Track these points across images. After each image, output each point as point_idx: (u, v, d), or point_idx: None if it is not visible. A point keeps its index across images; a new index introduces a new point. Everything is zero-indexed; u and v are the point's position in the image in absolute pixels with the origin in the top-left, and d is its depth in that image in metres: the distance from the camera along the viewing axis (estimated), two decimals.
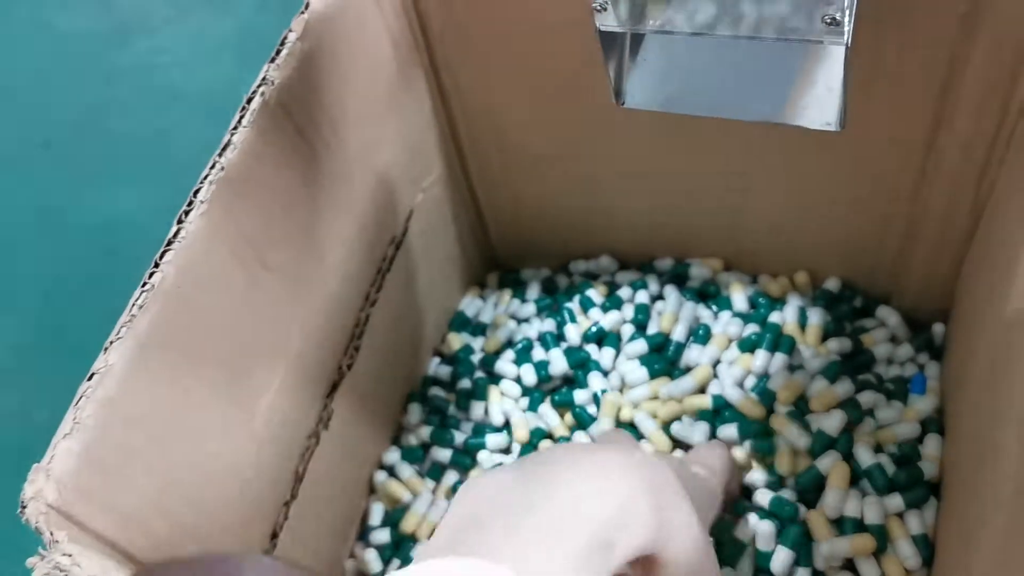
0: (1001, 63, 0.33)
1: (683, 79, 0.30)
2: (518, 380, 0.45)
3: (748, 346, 0.42)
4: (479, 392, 0.45)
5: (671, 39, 0.29)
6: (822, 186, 0.41)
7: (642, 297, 0.46)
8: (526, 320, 0.48)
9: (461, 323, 0.49)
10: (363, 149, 0.38)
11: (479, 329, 0.48)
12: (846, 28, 0.25)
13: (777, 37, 0.26)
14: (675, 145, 0.42)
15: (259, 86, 0.32)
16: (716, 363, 0.42)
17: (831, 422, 0.38)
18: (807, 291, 0.46)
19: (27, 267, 0.63)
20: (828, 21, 0.25)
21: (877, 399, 0.40)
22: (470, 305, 0.50)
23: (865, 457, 0.37)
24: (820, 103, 0.29)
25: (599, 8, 0.28)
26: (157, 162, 0.66)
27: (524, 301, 0.49)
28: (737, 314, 0.44)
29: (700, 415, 0.41)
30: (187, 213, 0.30)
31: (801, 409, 0.39)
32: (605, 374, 0.44)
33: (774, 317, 0.44)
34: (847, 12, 0.25)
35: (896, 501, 0.36)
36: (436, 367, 0.47)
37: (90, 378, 0.27)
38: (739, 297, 0.45)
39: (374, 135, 0.39)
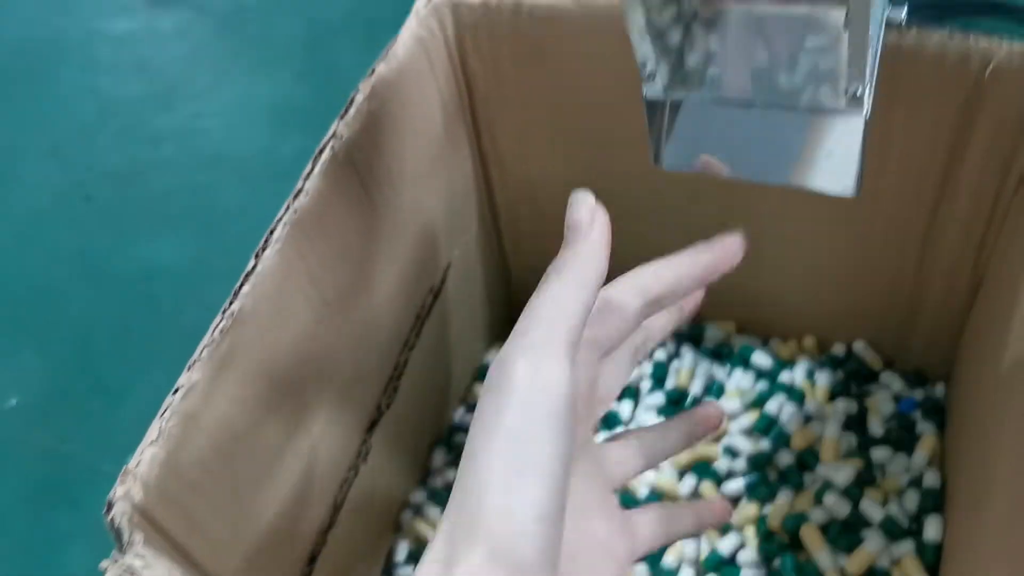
0: (998, 149, 0.37)
1: (715, 144, 0.34)
2: None
3: (759, 400, 0.45)
4: None
5: (706, 106, 0.33)
6: (830, 257, 0.45)
7: (660, 355, 0.49)
8: None
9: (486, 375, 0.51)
10: (413, 204, 0.41)
11: None
12: (866, 102, 0.29)
13: (804, 108, 0.30)
14: (694, 213, 0.45)
15: (330, 139, 0.36)
16: (734, 416, 0.45)
17: (843, 474, 0.41)
18: (815, 355, 0.49)
19: (64, 312, 0.65)
20: (851, 95, 0.29)
21: (885, 455, 0.42)
22: None
23: (873, 512, 0.40)
24: (838, 170, 0.32)
25: (647, 77, 0.31)
26: (194, 217, 0.69)
27: None
28: (749, 372, 0.47)
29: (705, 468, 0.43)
30: (264, 250, 0.33)
31: (808, 459, 0.42)
32: (625, 425, 0.46)
33: (784, 377, 0.46)
34: (868, 87, 0.29)
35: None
36: (462, 415, 0.50)
37: (175, 392, 0.30)
38: (757, 357, 0.48)
39: (423, 191, 0.42)
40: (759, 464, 0.43)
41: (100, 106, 0.80)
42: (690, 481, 0.43)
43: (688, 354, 0.48)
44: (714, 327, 0.50)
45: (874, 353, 0.48)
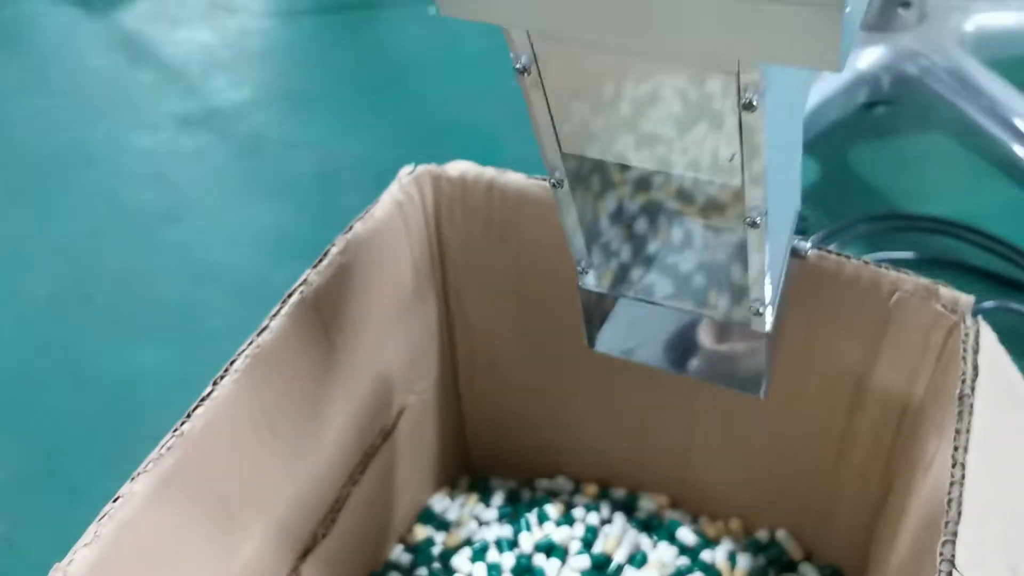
0: (903, 366, 0.40)
1: (643, 335, 0.37)
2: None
3: (679, 573, 0.47)
4: None
5: (635, 303, 0.37)
6: (756, 448, 0.48)
7: (593, 519, 0.51)
8: (487, 523, 0.53)
9: (428, 517, 0.54)
10: (373, 351, 0.45)
11: (444, 525, 0.53)
12: (767, 319, 0.33)
13: (719, 318, 0.33)
14: (633, 392, 0.48)
15: (300, 285, 0.39)
16: None
17: None
18: (740, 537, 0.51)
19: (42, 403, 0.68)
20: (754, 312, 0.32)
21: None
22: (440, 502, 0.55)
23: None
24: (749, 373, 0.36)
25: (581, 271, 0.35)
26: (184, 328, 0.73)
27: (488, 506, 0.54)
28: (673, 546, 0.49)
29: None
30: (222, 377, 0.36)
31: None
32: None
33: (705, 555, 0.49)
34: (770, 307, 0.32)
35: None
36: (399, 554, 0.52)
37: (115, 500, 0.32)
38: (682, 533, 0.50)
39: (384, 341, 0.45)
40: None
41: (113, 211, 0.85)
42: None
43: (619, 521, 0.50)
44: (647, 499, 0.52)
45: (795, 543, 0.50)
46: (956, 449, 0.33)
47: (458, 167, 0.45)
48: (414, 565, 0.51)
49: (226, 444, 0.36)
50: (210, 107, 0.97)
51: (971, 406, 0.34)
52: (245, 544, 0.39)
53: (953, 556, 0.30)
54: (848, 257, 0.39)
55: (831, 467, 0.46)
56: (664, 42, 0.23)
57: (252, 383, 0.37)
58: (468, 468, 0.58)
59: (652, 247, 0.33)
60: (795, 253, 0.34)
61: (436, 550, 0.51)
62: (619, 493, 0.53)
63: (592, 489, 0.54)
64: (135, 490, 0.32)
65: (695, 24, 0.22)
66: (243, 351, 0.37)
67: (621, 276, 0.35)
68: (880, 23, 0.71)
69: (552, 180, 0.31)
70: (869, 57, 0.71)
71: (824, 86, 0.70)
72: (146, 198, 0.87)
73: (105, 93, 1.01)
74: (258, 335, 0.37)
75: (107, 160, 0.92)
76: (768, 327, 0.33)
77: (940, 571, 0.30)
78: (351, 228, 0.42)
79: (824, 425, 0.44)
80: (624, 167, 0.30)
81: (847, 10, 0.21)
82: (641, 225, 0.33)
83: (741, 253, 0.30)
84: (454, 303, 0.50)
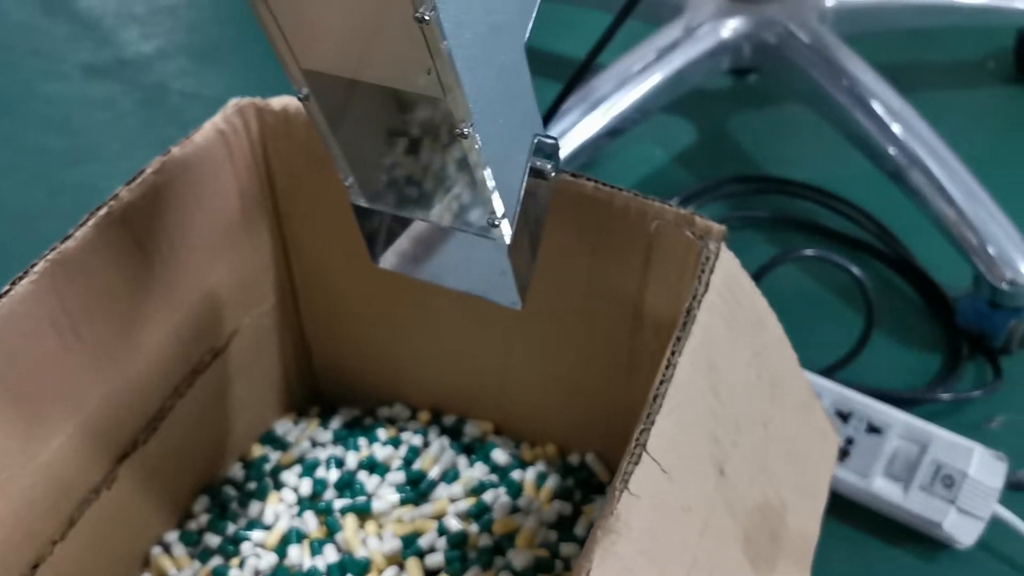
0: (671, 286, 0.43)
1: (418, 251, 0.41)
2: (296, 490, 0.53)
3: (481, 489, 0.50)
4: (261, 494, 0.52)
5: (417, 221, 0.40)
6: (563, 374, 0.51)
7: (416, 441, 0.54)
8: (322, 445, 0.56)
9: (269, 439, 0.57)
10: (196, 270, 0.47)
11: (283, 446, 0.56)
12: (504, 231, 0.36)
13: (457, 227, 0.37)
14: (459, 312, 0.52)
15: (111, 200, 0.42)
16: (456, 499, 0.51)
17: (521, 558, 0.46)
18: (555, 462, 0.54)
19: None
20: (491, 223, 0.36)
21: (573, 551, 0.48)
22: (283, 426, 0.58)
23: None
24: (505, 286, 0.39)
25: (349, 186, 0.38)
26: None
27: (326, 429, 0.57)
28: (488, 467, 0.53)
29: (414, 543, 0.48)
30: (21, 278, 0.39)
31: (505, 544, 0.47)
32: (368, 496, 0.51)
33: (515, 475, 0.52)
34: (506, 220, 0.36)
35: None
36: (235, 470, 0.55)
37: None
38: (496, 454, 0.53)
39: (209, 261, 0.48)
40: (459, 542, 0.48)
41: (16, 155, 0.87)
42: (397, 545, 0.48)
43: (438, 444, 0.54)
44: (473, 424, 0.56)
45: (603, 466, 0.53)
46: (672, 353, 0.36)
47: (281, 101, 0.48)
48: (246, 479, 0.54)
49: (24, 340, 0.39)
50: (120, 58, 0.99)
51: (695, 317, 0.37)
52: (52, 438, 0.42)
53: (646, 442, 0.33)
54: (620, 189, 0.43)
55: (624, 389, 0.49)
56: None
57: (52, 286, 0.40)
58: (318, 397, 0.62)
59: (401, 163, 0.36)
60: (539, 174, 0.37)
61: (269, 467, 0.54)
62: (449, 420, 0.57)
63: (425, 416, 0.57)
64: None
65: None
66: (45, 255, 0.40)
67: (381, 191, 0.38)
68: None
69: (300, 95, 0.34)
70: (732, 26, 0.74)
71: (688, 52, 0.73)
72: (49, 142, 0.89)
73: (18, 43, 1.02)
74: (62, 243, 0.40)
75: (15, 107, 0.94)
76: (507, 239, 0.36)
77: (633, 453, 0.33)
78: (168, 151, 0.45)
79: (614, 349, 0.48)
80: (352, 82, 0.33)
81: None
82: (388, 141, 0.36)
83: (467, 165, 0.33)
84: (288, 231, 0.53)
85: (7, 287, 0.38)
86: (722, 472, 0.37)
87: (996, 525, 0.53)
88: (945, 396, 0.62)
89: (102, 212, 0.42)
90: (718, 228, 0.41)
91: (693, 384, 0.36)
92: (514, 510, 0.50)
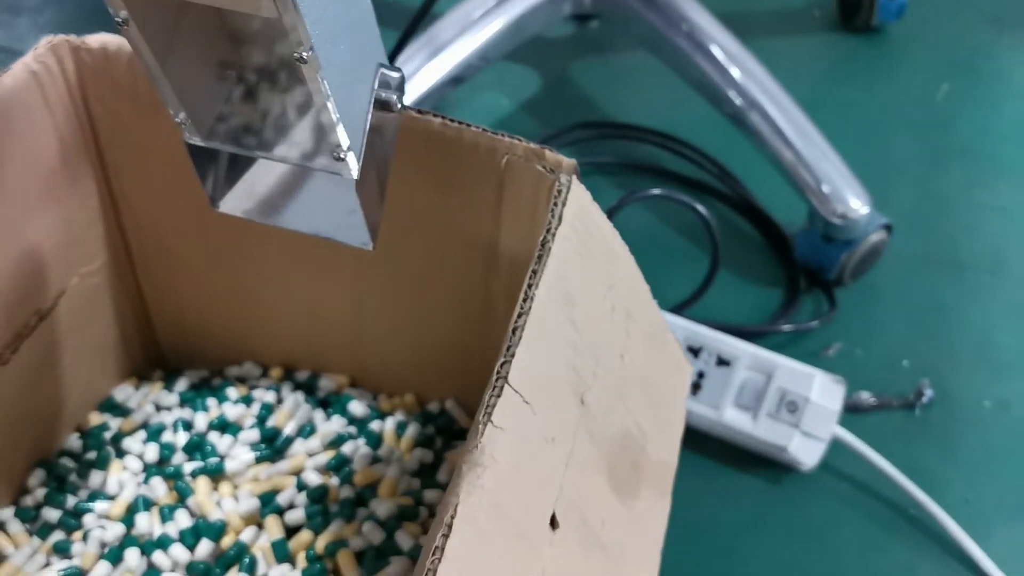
0: (522, 224, 0.43)
1: (261, 193, 0.39)
2: (141, 457, 0.50)
3: (339, 441, 0.49)
4: (101, 463, 0.49)
5: (256, 160, 0.38)
6: (417, 320, 0.50)
7: (269, 398, 0.52)
8: (167, 408, 0.53)
9: (109, 407, 0.53)
10: (12, 225, 0.44)
11: (124, 413, 0.53)
12: (351, 165, 0.34)
13: (301, 164, 0.35)
14: (305, 264, 0.50)
15: None
16: (314, 453, 0.49)
17: (384, 507, 0.45)
18: (414, 411, 0.54)
19: None
20: (336, 157, 0.34)
21: (436, 497, 0.47)
22: (123, 392, 0.55)
23: (404, 542, 0.44)
24: (356, 226, 0.37)
25: (180, 123, 0.35)
26: None
27: (171, 392, 0.54)
28: (345, 420, 0.51)
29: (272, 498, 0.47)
30: None
31: (368, 495, 0.46)
32: (220, 457, 0.49)
33: (374, 426, 0.51)
34: (351, 153, 0.34)
35: None
36: (73, 440, 0.51)
37: None
38: (353, 406, 0.52)
39: (27, 216, 0.44)
40: (320, 497, 0.46)
41: None
42: (254, 504, 0.46)
43: (291, 397, 0.52)
44: (327, 379, 0.54)
45: (463, 411, 0.53)
46: (529, 286, 0.36)
47: (99, 39, 0.45)
48: (85, 449, 0.50)
49: None
50: None
51: (550, 250, 0.37)
52: None
53: (508, 374, 0.33)
54: (468, 125, 0.42)
55: (481, 333, 0.49)
56: None
57: None
58: (161, 361, 0.58)
59: (237, 94, 0.34)
60: (384, 106, 0.36)
61: (109, 435, 0.51)
62: (302, 375, 0.55)
63: (277, 372, 0.55)
64: None
65: None
66: None
67: (218, 127, 0.35)
68: None
69: (117, 19, 0.31)
70: None
71: None
72: None
73: None
74: None
75: None
76: (353, 173, 0.34)
77: (495, 386, 0.33)
78: None
79: (469, 292, 0.47)
80: (180, 3, 0.30)
81: None
82: (223, 72, 0.34)
83: (309, 94, 0.32)
84: (115, 184, 0.49)
85: None
86: (583, 402, 0.37)
87: (836, 446, 0.56)
88: (786, 328, 0.64)
89: None
90: (568, 162, 0.41)
91: (551, 317, 0.36)
92: (375, 460, 0.49)
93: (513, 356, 0.33)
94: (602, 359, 0.39)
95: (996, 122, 0.83)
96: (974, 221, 0.74)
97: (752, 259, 0.71)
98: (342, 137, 0.33)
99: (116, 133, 0.47)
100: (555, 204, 0.38)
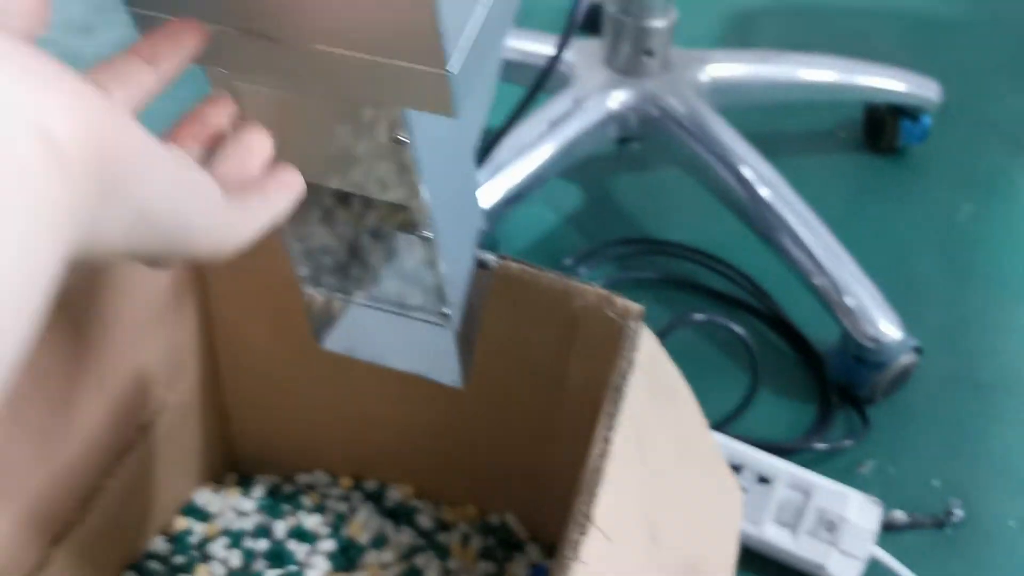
0: (593, 363, 0.47)
1: (362, 333, 0.43)
2: (225, 563, 0.53)
3: (412, 552, 0.53)
4: (189, 567, 0.53)
5: (356, 305, 0.42)
6: (486, 439, 0.54)
7: (342, 508, 0.56)
8: (246, 514, 0.57)
9: (191, 510, 0.57)
10: (127, 348, 0.48)
11: (205, 517, 0.57)
12: (453, 319, 0.39)
13: (404, 314, 0.39)
14: (380, 382, 0.54)
15: None
16: (388, 565, 0.53)
17: None
18: (475, 522, 0.57)
19: None
20: (441, 312, 0.39)
21: None
22: (203, 496, 0.58)
23: None
24: (449, 367, 0.42)
25: (299, 276, 0.40)
26: None
27: (248, 498, 0.58)
28: (413, 530, 0.55)
29: None
30: None
31: None
32: (299, 565, 0.53)
33: (441, 538, 0.54)
34: (454, 309, 0.39)
35: None
36: (159, 544, 0.55)
37: None
38: (421, 518, 0.56)
39: (139, 339, 0.49)
40: None
41: None
42: None
43: (365, 510, 0.56)
44: (394, 490, 0.58)
45: (521, 525, 0.57)
46: (608, 429, 0.40)
47: None
48: (172, 554, 0.54)
49: None
50: None
51: (624, 394, 0.41)
52: None
53: (591, 511, 0.37)
54: (542, 270, 0.46)
55: (542, 456, 0.53)
56: (314, 85, 0.28)
57: None
58: (235, 466, 0.62)
59: (357, 255, 0.39)
60: (482, 265, 0.41)
61: (195, 539, 0.55)
62: (370, 485, 0.59)
63: (346, 482, 0.59)
64: None
65: (335, 73, 0.27)
66: None
67: (333, 280, 0.40)
68: (629, 68, 0.80)
69: None
70: (618, 98, 0.80)
71: (578, 122, 0.78)
72: None
73: None
74: None
75: None
76: (455, 326, 0.39)
77: (579, 524, 0.36)
78: None
79: (533, 418, 0.51)
80: (318, 185, 0.35)
81: (456, 71, 0.27)
82: (346, 236, 0.38)
83: (424, 262, 0.36)
84: (214, 306, 0.54)
85: None
86: (653, 537, 0.40)
87: (874, 565, 0.59)
88: (821, 446, 0.68)
89: None
90: (636, 308, 0.45)
91: (625, 456, 0.40)
92: (446, 572, 0.52)
93: (594, 495, 0.37)
94: (668, 493, 0.43)
95: (1018, 242, 0.87)
96: (997, 342, 0.78)
97: (786, 374, 0.74)
98: (448, 296, 0.38)
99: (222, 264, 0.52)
100: (627, 349, 0.43)
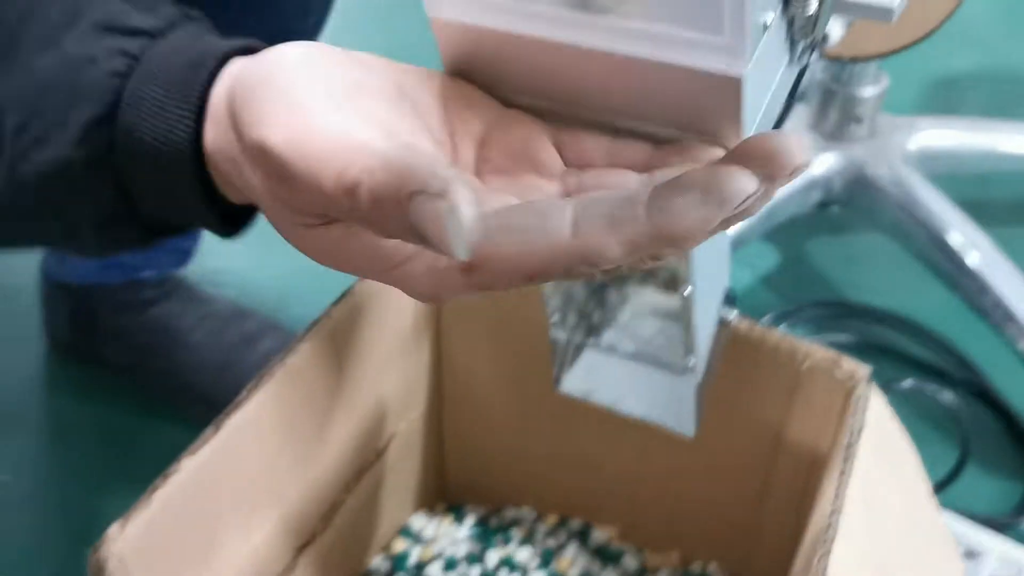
0: (813, 426, 0.48)
1: (600, 380, 0.46)
2: None
3: None
4: None
5: (596, 350, 0.45)
6: (693, 487, 0.56)
7: (551, 543, 0.59)
8: (459, 541, 0.60)
9: (407, 533, 0.61)
10: (375, 378, 0.53)
11: (420, 540, 0.61)
12: (697, 371, 0.41)
13: (646, 363, 0.42)
14: (598, 423, 0.57)
15: (324, 317, 0.48)
16: None
17: None
18: (678, 567, 0.59)
19: None
20: (687, 364, 0.41)
21: None
22: (418, 521, 0.62)
23: None
24: (682, 415, 0.44)
25: (554, 323, 0.43)
26: None
27: (461, 526, 0.61)
28: (620, 572, 0.57)
29: None
30: (254, 388, 0.44)
31: None
32: None
33: None
34: (700, 361, 0.41)
35: None
36: (379, 562, 0.59)
37: (166, 477, 0.40)
38: (627, 560, 0.58)
39: (385, 370, 0.54)
40: None
41: None
42: None
43: (572, 547, 0.58)
44: (599, 530, 0.60)
45: (724, 574, 0.58)
46: (839, 486, 0.41)
47: None
48: (391, 572, 0.58)
49: (253, 444, 0.44)
50: None
51: (855, 453, 0.42)
52: (257, 533, 0.47)
53: (827, 566, 0.38)
54: (770, 329, 0.48)
55: (752, 509, 0.54)
56: None
57: (277, 394, 0.45)
58: (445, 495, 0.66)
59: (610, 307, 0.42)
60: (722, 322, 0.43)
61: (412, 561, 0.59)
62: (576, 524, 0.61)
63: (552, 519, 0.62)
64: (181, 468, 0.40)
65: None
66: (272, 367, 0.45)
67: (584, 328, 0.43)
68: (836, 134, 0.81)
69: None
70: (824, 163, 0.81)
71: (784, 186, 0.80)
72: None
73: None
74: (286, 356, 0.46)
75: None
76: (697, 378, 0.41)
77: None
78: (351, 289, 0.50)
79: (748, 472, 0.53)
80: None
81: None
82: (603, 290, 0.41)
83: (677, 317, 0.39)
84: (444, 342, 0.58)
85: (244, 393, 0.44)
86: None
87: None
88: None
89: (317, 328, 0.47)
90: (864, 370, 0.46)
91: (856, 516, 0.41)
92: None
93: (830, 551, 0.38)
94: (894, 556, 0.43)
95: None
96: None
97: (991, 447, 0.73)
98: (696, 349, 0.40)
99: (455, 302, 0.56)
100: (856, 411, 0.44)
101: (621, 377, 0.45)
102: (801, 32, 0.28)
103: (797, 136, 0.24)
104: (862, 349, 0.81)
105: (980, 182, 0.95)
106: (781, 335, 0.48)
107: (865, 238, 0.92)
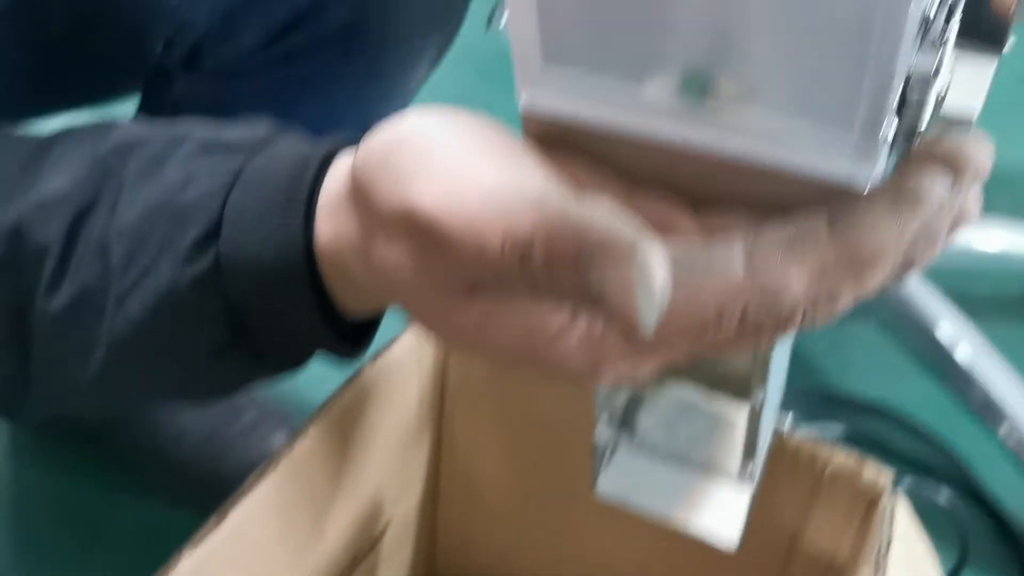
0: (830, 531, 0.47)
1: (647, 483, 0.43)
2: None
3: None
4: None
5: (638, 453, 0.43)
6: None
7: None
8: None
9: None
10: (375, 466, 0.50)
11: None
12: (754, 482, 0.39)
13: (699, 470, 0.40)
14: (598, 526, 0.55)
15: (330, 402, 0.46)
16: None
17: None
18: None
19: None
20: (748, 475, 0.39)
21: None
22: None
23: None
24: (727, 526, 0.42)
25: (601, 420, 0.41)
26: None
27: None
28: None
29: None
30: (258, 478, 0.42)
31: None
32: None
33: None
34: (759, 471, 0.39)
35: None
36: None
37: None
38: None
39: (384, 458, 0.51)
40: None
41: None
42: None
43: None
44: None
45: None
46: None
47: None
48: None
49: (255, 534, 0.42)
50: None
51: (886, 564, 0.41)
52: None
53: None
54: (792, 432, 0.47)
55: None
56: None
57: (280, 485, 0.43)
58: None
59: (667, 407, 0.40)
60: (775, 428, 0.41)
61: None
62: None
63: None
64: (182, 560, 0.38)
65: None
66: (277, 458, 0.43)
67: (633, 428, 0.41)
68: None
69: None
70: None
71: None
72: None
73: None
74: (291, 444, 0.43)
75: None
76: (753, 490, 0.39)
77: None
78: (378, 355, 0.48)
79: (761, 573, 0.51)
80: None
81: None
82: (659, 394, 0.39)
83: (740, 426, 0.37)
84: (446, 433, 0.56)
85: (249, 481, 0.41)
86: None
87: None
88: None
89: (324, 413, 0.45)
90: (887, 476, 0.45)
91: None
92: None
93: None
94: None
95: None
96: None
97: (982, 547, 0.72)
98: (756, 461, 0.38)
99: (460, 391, 0.54)
100: (884, 521, 0.43)
101: (666, 481, 0.43)
102: (903, 138, 0.27)
103: (975, 136, 0.23)
104: (847, 442, 0.80)
105: (965, 276, 0.96)
106: (801, 438, 0.47)
107: (853, 327, 0.92)
